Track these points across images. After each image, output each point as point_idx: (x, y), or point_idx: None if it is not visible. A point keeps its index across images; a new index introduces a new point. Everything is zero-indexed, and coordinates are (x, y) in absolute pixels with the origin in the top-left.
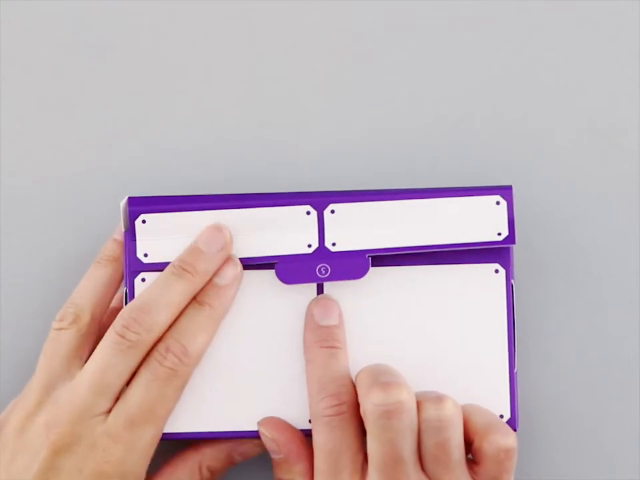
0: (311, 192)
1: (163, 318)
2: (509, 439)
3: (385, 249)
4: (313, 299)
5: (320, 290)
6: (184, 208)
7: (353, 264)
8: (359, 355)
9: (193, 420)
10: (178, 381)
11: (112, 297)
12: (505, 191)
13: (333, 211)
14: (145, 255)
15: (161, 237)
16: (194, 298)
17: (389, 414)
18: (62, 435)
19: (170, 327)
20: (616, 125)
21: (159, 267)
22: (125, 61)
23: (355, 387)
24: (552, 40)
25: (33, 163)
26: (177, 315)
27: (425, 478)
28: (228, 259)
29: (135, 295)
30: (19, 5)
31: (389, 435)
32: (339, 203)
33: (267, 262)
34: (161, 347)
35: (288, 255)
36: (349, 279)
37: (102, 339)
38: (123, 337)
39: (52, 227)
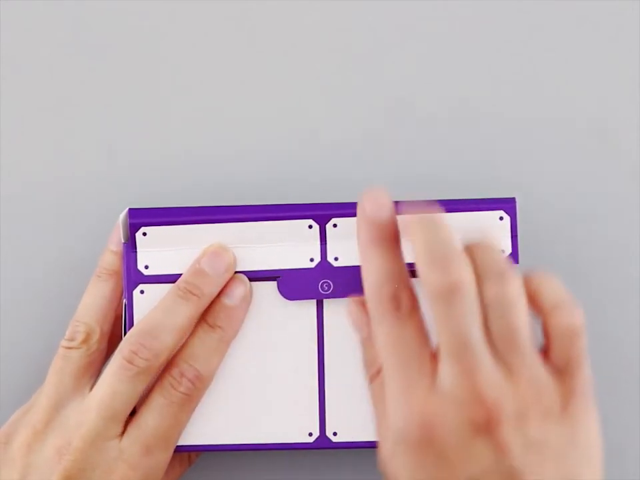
0: (313, 204)
1: (170, 342)
2: (574, 316)
3: None
4: (363, 194)
5: (320, 304)
6: (185, 221)
7: (355, 281)
8: (356, 366)
9: (197, 433)
10: (191, 404)
11: (115, 311)
12: (508, 205)
13: (335, 225)
14: (146, 267)
15: (162, 249)
16: (204, 319)
17: (450, 294)
18: (74, 462)
19: (181, 349)
20: (616, 125)
21: (158, 279)
22: (125, 62)
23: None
24: (552, 40)
25: (31, 165)
26: (184, 337)
27: (497, 362)
28: (237, 279)
29: (135, 308)
30: (19, 5)
31: (453, 316)
32: (341, 217)
33: (269, 275)
34: (175, 372)
35: (290, 269)
36: (352, 296)
37: (109, 360)
38: (131, 362)
39: (50, 230)
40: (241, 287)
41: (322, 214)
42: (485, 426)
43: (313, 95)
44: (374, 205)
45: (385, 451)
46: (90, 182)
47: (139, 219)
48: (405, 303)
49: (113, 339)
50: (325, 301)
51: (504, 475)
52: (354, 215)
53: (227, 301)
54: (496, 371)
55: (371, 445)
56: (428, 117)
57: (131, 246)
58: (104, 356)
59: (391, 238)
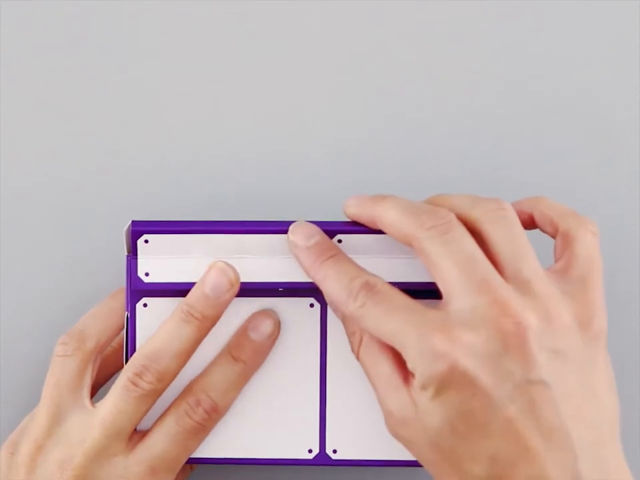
0: (318, 221)
1: (175, 366)
2: (586, 218)
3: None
4: (289, 231)
5: (324, 320)
6: (187, 231)
7: None
8: (358, 384)
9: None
10: (204, 434)
11: (120, 327)
12: None
13: (340, 241)
14: (146, 274)
15: (163, 257)
16: (228, 351)
17: (445, 229)
18: (76, 477)
19: (200, 376)
20: (618, 127)
21: (159, 288)
22: (127, 64)
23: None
24: (552, 40)
25: (30, 167)
26: (188, 360)
27: (508, 281)
28: (265, 314)
29: (137, 322)
30: (19, 5)
31: (455, 248)
32: (345, 233)
33: (271, 288)
34: (192, 401)
35: (291, 282)
36: None
37: (114, 375)
38: (135, 384)
39: (50, 231)
40: (268, 323)
41: (326, 229)
42: (515, 336)
43: (313, 100)
44: (303, 235)
45: (403, 411)
46: (90, 183)
47: (142, 227)
48: (379, 282)
49: (117, 355)
50: (328, 317)
51: (532, 389)
52: (359, 232)
53: (253, 335)
54: (511, 288)
55: (371, 464)
56: (429, 119)
57: (132, 253)
58: (99, 366)
59: (334, 250)
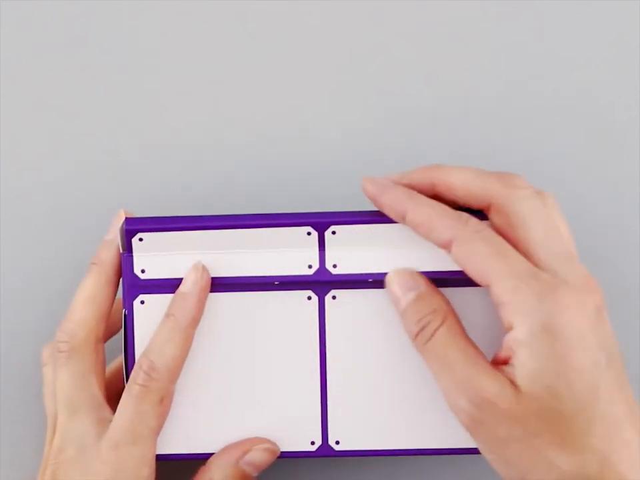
0: (313, 213)
1: (85, 314)
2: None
3: (386, 273)
4: (363, 184)
5: (322, 312)
6: (182, 227)
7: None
8: (359, 374)
9: (186, 441)
10: (152, 396)
11: (109, 308)
12: None
13: (334, 232)
14: (142, 271)
15: (158, 253)
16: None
17: (536, 192)
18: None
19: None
20: (618, 126)
21: (155, 284)
22: (127, 64)
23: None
24: (552, 40)
25: (30, 167)
26: (98, 306)
27: None
28: (192, 266)
29: (135, 318)
30: (19, 5)
31: (546, 210)
32: (340, 224)
33: (266, 282)
34: (135, 367)
35: (288, 276)
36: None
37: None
38: (57, 350)
39: (50, 231)
40: (194, 273)
41: (321, 221)
42: (602, 312)
43: (314, 101)
44: (375, 180)
45: (502, 391)
46: (90, 183)
47: (136, 225)
48: (475, 221)
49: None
50: (327, 308)
51: (618, 361)
52: (353, 222)
53: (180, 288)
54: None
55: (374, 454)
56: (428, 119)
57: (127, 252)
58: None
59: (412, 193)
